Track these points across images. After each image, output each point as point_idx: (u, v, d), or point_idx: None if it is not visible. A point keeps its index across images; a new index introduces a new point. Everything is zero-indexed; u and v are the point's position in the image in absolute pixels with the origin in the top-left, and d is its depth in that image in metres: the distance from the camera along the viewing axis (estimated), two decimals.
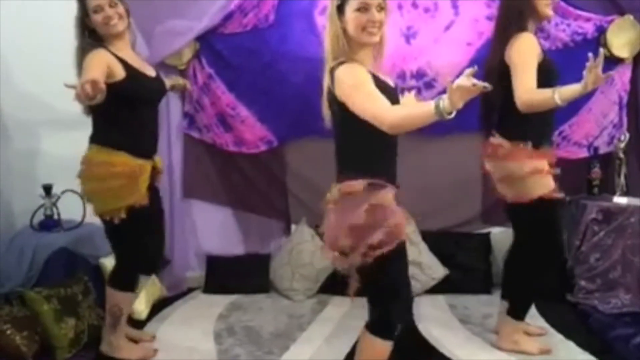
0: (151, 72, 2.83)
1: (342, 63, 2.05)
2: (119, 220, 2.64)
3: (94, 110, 2.64)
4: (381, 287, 2.12)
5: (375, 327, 2.15)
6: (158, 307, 3.47)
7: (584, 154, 3.57)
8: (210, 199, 3.86)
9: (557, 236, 2.76)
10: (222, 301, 3.60)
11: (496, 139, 2.71)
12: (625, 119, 3.53)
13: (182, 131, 3.70)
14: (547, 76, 2.52)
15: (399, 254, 2.09)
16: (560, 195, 2.66)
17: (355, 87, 1.98)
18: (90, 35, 2.64)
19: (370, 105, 1.93)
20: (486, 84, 1.72)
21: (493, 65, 2.63)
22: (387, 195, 2.05)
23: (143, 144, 2.76)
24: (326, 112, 2.17)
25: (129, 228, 2.68)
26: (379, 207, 2.02)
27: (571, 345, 2.90)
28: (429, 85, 3.52)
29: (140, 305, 3.29)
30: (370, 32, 2.05)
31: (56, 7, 3.10)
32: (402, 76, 3.50)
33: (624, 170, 3.43)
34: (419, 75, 3.52)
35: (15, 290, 3.02)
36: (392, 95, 2.10)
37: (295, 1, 3.52)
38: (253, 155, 3.72)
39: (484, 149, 2.79)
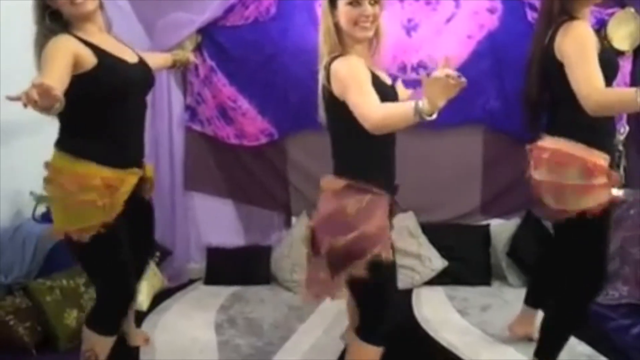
0: (132, 58, 2.33)
1: (337, 57, 1.99)
2: (90, 240, 2.18)
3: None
4: (371, 296, 2.08)
5: (365, 332, 2.11)
6: (159, 298, 3.48)
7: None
8: (211, 191, 3.87)
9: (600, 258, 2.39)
10: (223, 292, 3.62)
11: (547, 142, 2.35)
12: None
13: (184, 124, 3.71)
14: (603, 70, 2.12)
15: (382, 273, 2.03)
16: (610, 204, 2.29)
17: (351, 80, 1.90)
18: (53, 19, 2.13)
19: (361, 101, 1.86)
20: (463, 79, 1.61)
21: (536, 59, 2.33)
22: (364, 200, 2.00)
23: (122, 152, 2.28)
24: (322, 112, 2.11)
25: (104, 252, 2.25)
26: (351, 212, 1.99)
27: None
28: None
29: (142, 296, 3.31)
30: (363, 26, 1.98)
31: None
32: (403, 69, 3.50)
33: (623, 162, 3.44)
34: (419, 67, 3.52)
35: (18, 282, 3.04)
36: (389, 92, 2.03)
37: None
38: (254, 148, 3.73)
39: (532, 155, 2.43)
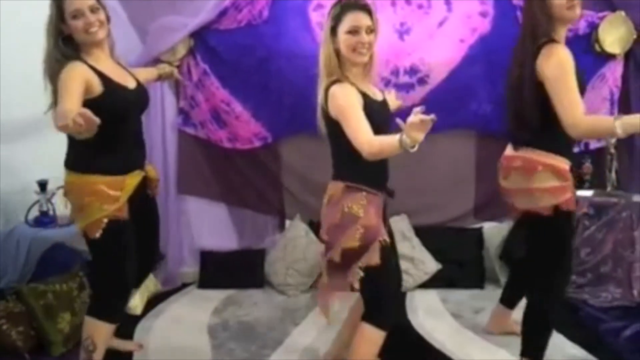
0: (131, 83, 2.54)
1: (335, 82, 2.22)
2: (100, 234, 2.41)
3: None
4: (374, 280, 2.25)
5: (371, 314, 2.30)
6: (153, 302, 3.46)
7: (575, 149, 3.59)
8: (204, 194, 3.87)
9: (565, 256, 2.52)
10: (216, 296, 3.62)
11: (516, 151, 2.49)
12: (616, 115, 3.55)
13: (177, 127, 3.71)
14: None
15: (386, 256, 2.25)
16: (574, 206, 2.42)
17: (347, 110, 2.16)
18: (65, 43, 2.34)
19: (355, 132, 2.12)
20: (433, 117, 1.84)
21: (516, 76, 2.41)
22: (362, 198, 2.25)
23: (124, 162, 2.51)
24: (321, 125, 2.34)
25: (112, 244, 2.46)
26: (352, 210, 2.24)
27: (562, 338, 2.92)
28: (422, 82, 3.53)
29: (135, 301, 3.30)
30: (360, 52, 2.23)
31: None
32: (395, 72, 3.51)
33: (614, 165, 3.47)
34: (412, 71, 3.53)
35: (10, 286, 3.04)
36: (380, 110, 2.30)
37: None
38: (247, 152, 3.73)
39: (502, 165, 2.57)
